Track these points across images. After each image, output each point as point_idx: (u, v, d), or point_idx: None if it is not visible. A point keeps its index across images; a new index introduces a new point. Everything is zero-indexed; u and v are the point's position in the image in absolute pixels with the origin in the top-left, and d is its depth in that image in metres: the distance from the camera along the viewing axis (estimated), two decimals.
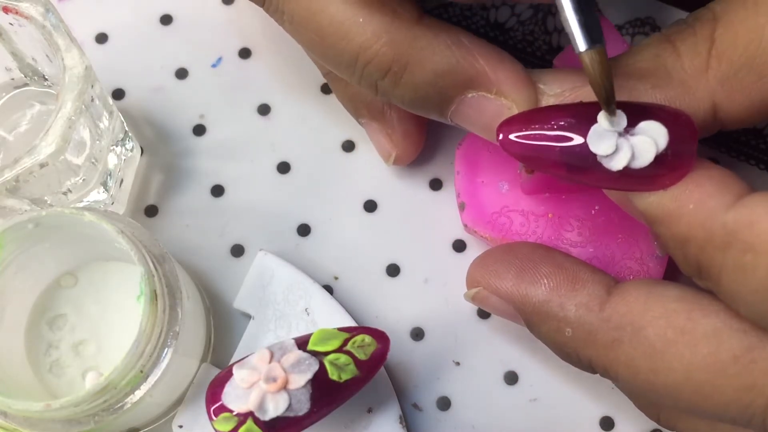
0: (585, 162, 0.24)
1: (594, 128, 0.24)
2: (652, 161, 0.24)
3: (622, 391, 0.28)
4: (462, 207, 0.32)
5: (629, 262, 0.30)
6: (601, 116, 0.24)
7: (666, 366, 0.23)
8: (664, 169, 0.24)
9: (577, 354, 0.26)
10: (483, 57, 0.26)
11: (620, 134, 0.24)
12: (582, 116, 0.24)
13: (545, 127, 0.24)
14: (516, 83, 0.26)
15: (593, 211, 0.31)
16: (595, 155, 0.24)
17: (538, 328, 0.27)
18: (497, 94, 0.26)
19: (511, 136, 0.25)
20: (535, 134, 0.24)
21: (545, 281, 0.26)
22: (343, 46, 0.26)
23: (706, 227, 0.23)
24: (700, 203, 0.23)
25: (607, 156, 0.24)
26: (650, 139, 0.24)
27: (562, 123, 0.24)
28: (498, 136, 0.25)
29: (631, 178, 0.24)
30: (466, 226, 0.32)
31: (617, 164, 0.24)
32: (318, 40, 0.26)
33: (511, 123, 0.25)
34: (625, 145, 0.24)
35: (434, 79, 0.26)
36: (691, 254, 0.23)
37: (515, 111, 0.25)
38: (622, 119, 0.24)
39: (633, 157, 0.24)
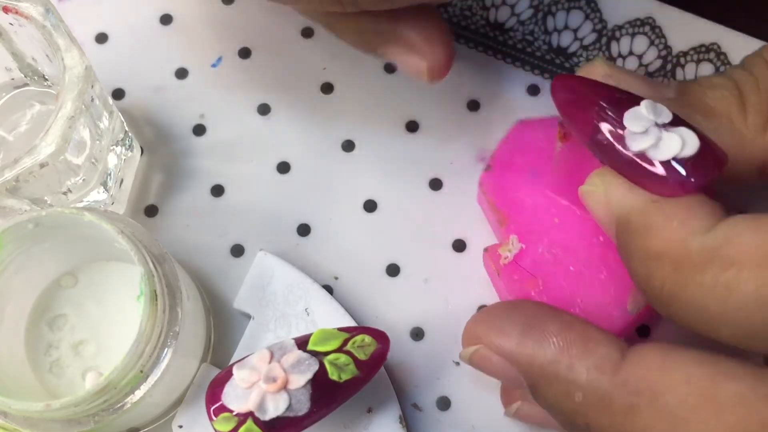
0: (612, 130, 0.24)
1: (635, 108, 0.24)
2: (670, 160, 0.23)
3: None
4: (488, 168, 0.32)
5: (591, 305, 0.29)
6: (645, 102, 0.24)
7: None
8: (676, 174, 0.23)
9: (587, 423, 0.23)
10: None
11: (656, 124, 0.24)
12: (634, 101, 0.24)
13: (598, 89, 0.25)
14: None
15: (593, 240, 0.30)
16: (623, 130, 0.24)
17: (544, 393, 0.24)
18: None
19: (562, 82, 0.26)
20: (584, 87, 0.25)
21: (554, 340, 0.24)
22: None
23: (685, 245, 0.22)
24: (685, 222, 0.22)
25: (633, 133, 0.24)
26: (679, 139, 0.24)
27: (615, 95, 0.25)
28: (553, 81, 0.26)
29: (640, 166, 0.24)
30: (481, 186, 0.32)
31: (637, 145, 0.24)
32: None
33: (570, 77, 0.26)
34: (654, 133, 0.24)
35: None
36: (659, 274, 0.22)
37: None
38: (664, 115, 0.24)
39: (655, 146, 0.24)
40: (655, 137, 0.24)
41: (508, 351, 0.25)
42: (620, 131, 0.24)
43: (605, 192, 0.25)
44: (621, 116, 0.24)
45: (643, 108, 0.24)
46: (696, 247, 0.22)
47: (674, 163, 0.23)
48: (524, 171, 0.32)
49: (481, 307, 0.33)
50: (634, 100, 0.25)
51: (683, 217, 0.22)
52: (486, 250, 0.32)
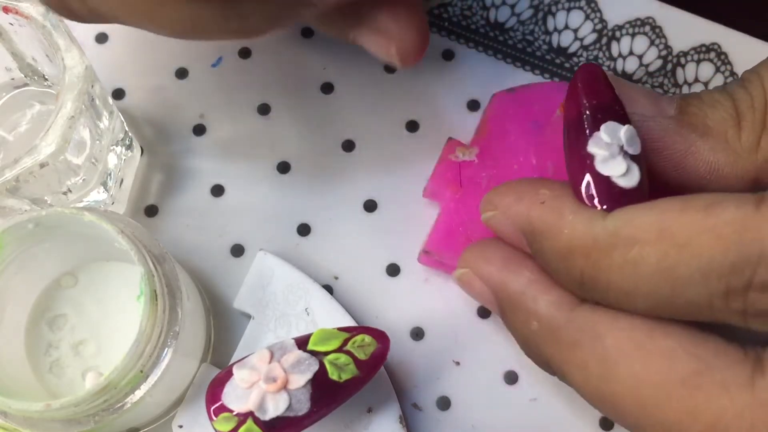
0: (580, 126, 0.27)
1: (613, 124, 0.26)
2: (608, 176, 0.26)
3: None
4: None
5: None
6: (625, 129, 0.26)
7: (616, 376, 0.24)
8: (601, 188, 0.26)
9: (539, 349, 0.26)
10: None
11: (621, 146, 0.26)
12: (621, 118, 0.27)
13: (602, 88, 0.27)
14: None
15: None
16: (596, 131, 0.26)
17: (508, 317, 0.27)
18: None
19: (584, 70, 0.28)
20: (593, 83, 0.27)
21: (527, 273, 0.26)
22: None
23: (588, 234, 0.24)
24: (578, 212, 0.24)
25: (599, 139, 0.26)
26: (624, 168, 0.26)
27: (611, 106, 0.27)
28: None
29: (586, 162, 0.26)
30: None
31: (594, 149, 0.26)
32: None
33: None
34: (613, 150, 0.26)
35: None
36: (576, 266, 0.24)
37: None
38: (635, 146, 0.26)
39: (604, 160, 0.26)
40: (609, 152, 0.26)
41: (487, 275, 0.27)
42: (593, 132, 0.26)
43: (503, 211, 0.27)
44: (600, 121, 0.26)
45: (621, 131, 0.26)
46: (599, 234, 0.24)
47: (608, 183, 0.26)
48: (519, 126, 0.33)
49: (481, 307, 0.33)
50: (621, 118, 0.27)
51: (574, 209, 0.24)
52: (450, 139, 0.33)
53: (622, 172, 0.26)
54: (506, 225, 0.27)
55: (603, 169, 0.26)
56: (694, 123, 0.28)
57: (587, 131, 0.27)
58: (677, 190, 0.28)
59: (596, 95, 0.27)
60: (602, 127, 0.26)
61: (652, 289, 0.23)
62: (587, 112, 0.27)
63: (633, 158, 0.26)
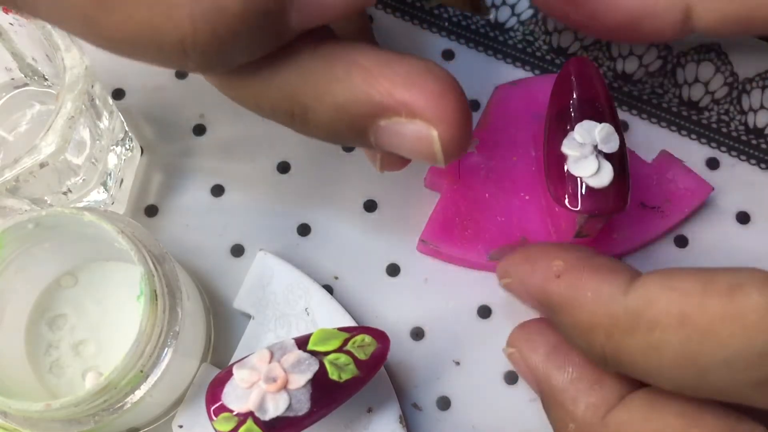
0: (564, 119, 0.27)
1: (589, 123, 0.27)
2: (577, 177, 0.27)
3: None
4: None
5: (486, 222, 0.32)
6: (603, 127, 0.27)
7: None
8: (572, 191, 0.27)
9: None
10: (386, 77, 0.22)
11: (596, 146, 0.27)
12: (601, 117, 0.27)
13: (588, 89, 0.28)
14: (428, 100, 0.22)
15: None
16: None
17: (548, 411, 0.27)
18: (409, 116, 0.22)
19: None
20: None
21: (570, 370, 0.26)
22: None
23: (609, 314, 0.23)
24: (598, 290, 0.24)
25: (573, 139, 0.27)
26: (595, 168, 0.27)
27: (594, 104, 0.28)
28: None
29: (560, 164, 0.27)
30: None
31: (567, 149, 0.27)
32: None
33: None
34: (585, 150, 0.27)
35: (338, 114, 0.22)
36: (597, 343, 0.24)
37: (434, 132, 0.22)
38: (611, 144, 0.27)
39: (576, 160, 0.27)
40: (581, 153, 0.26)
41: (533, 365, 0.27)
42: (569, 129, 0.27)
43: (520, 281, 0.27)
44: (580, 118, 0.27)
45: (596, 130, 0.27)
46: (620, 315, 0.23)
47: (579, 183, 0.26)
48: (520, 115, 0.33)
49: (481, 307, 0.33)
50: (601, 117, 0.27)
51: (593, 286, 0.24)
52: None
53: (592, 173, 0.26)
54: (524, 294, 0.27)
55: (574, 169, 0.26)
56: None
57: (567, 127, 0.27)
58: (618, 36, 0.29)
59: (584, 90, 0.27)
60: (576, 127, 0.27)
61: (676, 373, 0.22)
62: (571, 108, 0.27)
63: (608, 156, 0.26)
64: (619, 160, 0.27)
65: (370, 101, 0.22)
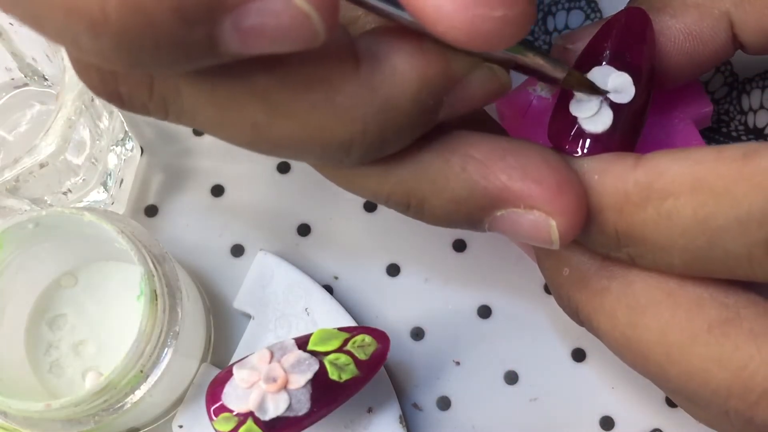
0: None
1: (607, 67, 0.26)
2: (577, 118, 0.25)
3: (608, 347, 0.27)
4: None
5: None
6: (617, 76, 0.26)
7: (644, 323, 0.23)
8: (572, 131, 0.26)
9: (569, 297, 0.26)
10: (502, 170, 0.22)
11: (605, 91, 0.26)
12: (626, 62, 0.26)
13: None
14: (547, 193, 0.22)
15: None
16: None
17: (543, 262, 0.27)
18: (528, 208, 0.23)
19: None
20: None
21: None
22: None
23: (619, 190, 0.23)
24: (605, 171, 0.23)
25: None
26: (594, 109, 0.26)
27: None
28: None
29: (566, 102, 0.26)
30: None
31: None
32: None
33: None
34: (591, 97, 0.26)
35: (456, 207, 0.23)
36: (609, 222, 0.23)
37: (552, 223, 0.23)
38: (626, 93, 0.26)
39: (579, 100, 0.26)
40: (585, 96, 0.25)
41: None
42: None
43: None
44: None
45: (611, 75, 0.26)
46: (631, 189, 0.23)
47: (574, 122, 0.25)
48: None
49: (481, 307, 0.33)
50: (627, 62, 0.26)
51: (601, 169, 0.24)
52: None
53: (589, 114, 0.25)
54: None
55: (574, 107, 0.26)
56: (644, 5, 0.27)
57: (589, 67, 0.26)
58: (676, 77, 0.29)
59: (621, 42, 0.26)
60: (594, 68, 0.26)
61: (688, 241, 0.22)
62: (602, 53, 0.26)
63: (615, 106, 0.26)
64: (629, 114, 0.26)
65: (487, 195, 0.23)
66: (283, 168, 0.35)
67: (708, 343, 0.23)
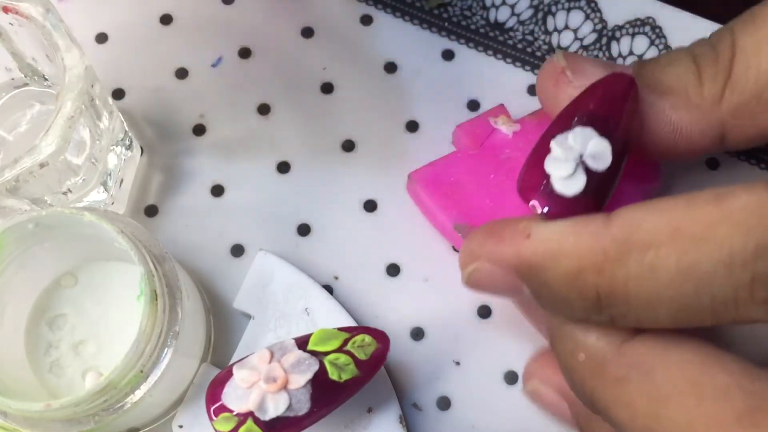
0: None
1: (584, 129, 0.26)
2: (550, 175, 0.25)
3: None
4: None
5: None
6: (595, 143, 0.26)
7: (666, 414, 0.22)
8: (545, 189, 0.25)
9: (583, 383, 0.25)
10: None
11: (580, 153, 0.26)
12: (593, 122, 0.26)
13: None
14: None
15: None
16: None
17: (557, 346, 0.26)
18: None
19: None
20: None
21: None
22: None
23: (596, 249, 0.23)
24: (579, 233, 0.23)
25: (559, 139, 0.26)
26: (569, 171, 0.25)
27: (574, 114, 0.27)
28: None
29: (541, 157, 0.26)
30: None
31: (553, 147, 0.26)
32: None
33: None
34: (569, 155, 0.26)
35: None
36: (589, 285, 0.23)
37: None
38: (602, 162, 0.26)
39: (554, 158, 0.26)
40: (564, 154, 0.25)
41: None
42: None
43: (488, 258, 0.25)
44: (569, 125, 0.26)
45: (590, 141, 0.26)
46: (608, 246, 0.22)
47: (545, 180, 0.25)
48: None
49: (481, 307, 0.33)
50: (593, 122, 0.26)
51: (573, 230, 0.23)
52: (502, 105, 0.33)
53: (563, 175, 0.25)
54: (495, 273, 0.25)
55: (549, 164, 0.25)
56: (651, 83, 0.27)
57: (569, 127, 0.26)
58: (649, 154, 0.29)
59: (606, 106, 0.26)
60: (576, 128, 0.26)
61: (675, 292, 0.22)
62: (585, 113, 0.26)
63: (590, 171, 0.25)
64: (601, 183, 0.26)
65: None
66: (283, 168, 0.35)
67: None
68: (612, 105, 0.26)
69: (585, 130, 0.26)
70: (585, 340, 0.24)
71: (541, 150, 0.26)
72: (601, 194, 0.26)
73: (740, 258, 0.21)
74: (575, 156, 0.25)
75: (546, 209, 0.25)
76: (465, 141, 0.32)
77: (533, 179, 0.26)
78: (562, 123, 0.26)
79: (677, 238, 0.21)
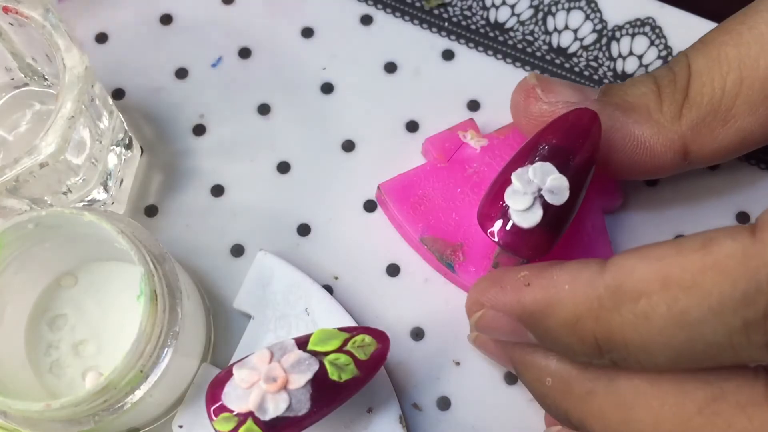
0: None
1: (543, 165, 0.27)
2: (507, 207, 0.27)
3: None
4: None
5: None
6: (555, 178, 0.27)
7: (635, 418, 0.24)
8: (502, 221, 0.27)
9: (556, 405, 0.26)
10: None
11: (539, 187, 0.27)
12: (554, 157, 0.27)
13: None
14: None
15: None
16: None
17: (524, 377, 0.27)
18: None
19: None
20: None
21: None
22: None
23: (591, 297, 0.23)
24: (574, 281, 0.24)
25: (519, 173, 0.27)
26: (526, 205, 0.27)
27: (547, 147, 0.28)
28: None
29: (500, 190, 0.27)
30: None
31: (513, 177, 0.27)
32: None
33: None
34: (528, 189, 0.27)
35: None
36: (587, 331, 0.23)
37: None
38: (560, 196, 0.27)
39: (512, 191, 0.27)
40: (523, 187, 0.26)
41: (499, 335, 0.27)
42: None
43: (492, 306, 0.26)
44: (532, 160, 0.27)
45: (549, 176, 0.27)
46: (602, 294, 0.23)
47: (504, 212, 0.27)
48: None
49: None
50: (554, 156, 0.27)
51: (567, 278, 0.24)
52: (472, 119, 0.34)
53: (521, 208, 0.26)
54: (499, 320, 0.26)
55: (508, 197, 0.26)
56: (616, 101, 0.29)
57: (530, 161, 0.27)
58: (617, 172, 0.30)
59: (568, 140, 0.27)
60: (537, 163, 0.27)
61: (669, 339, 0.22)
62: (546, 146, 0.27)
63: (546, 205, 0.26)
64: (558, 216, 0.27)
65: None
66: (283, 168, 0.35)
67: (702, 426, 0.23)
68: (575, 139, 0.28)
69: (545, 165, 0.27)
70: (548, 364, 0.26)
71: (502, 181, 0.27)
72: (557, 227, 0.27)
73: (730, 305, 0.21)
74: (533, 190, 0.27)
75: (501, 240, 0.27)
76: (434, 154, 0.33)
77: (492, 210, 0.27)
78: (524, 156, 0.27)
79: (667, 286, 0.22)
